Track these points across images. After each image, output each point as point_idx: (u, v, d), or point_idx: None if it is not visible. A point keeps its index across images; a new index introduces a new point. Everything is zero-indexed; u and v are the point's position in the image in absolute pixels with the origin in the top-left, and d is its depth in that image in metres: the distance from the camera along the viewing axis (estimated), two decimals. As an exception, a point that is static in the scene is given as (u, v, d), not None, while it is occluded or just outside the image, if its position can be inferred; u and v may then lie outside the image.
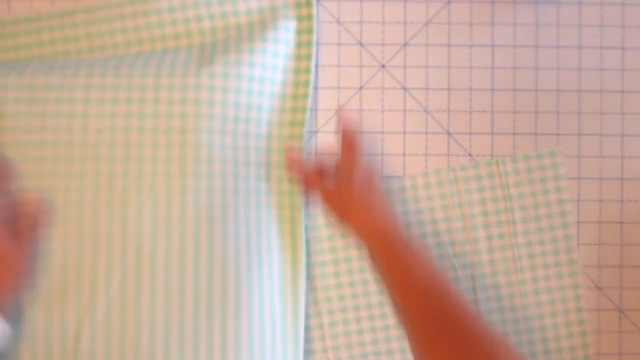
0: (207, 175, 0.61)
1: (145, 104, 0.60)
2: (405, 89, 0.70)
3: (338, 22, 0.70)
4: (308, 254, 0.67)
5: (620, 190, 0.69)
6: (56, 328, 0.57)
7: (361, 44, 0.70)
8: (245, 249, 0.61)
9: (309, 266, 0.67)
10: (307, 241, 0.68)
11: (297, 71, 0.68)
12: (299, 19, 0.68)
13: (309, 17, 0.68)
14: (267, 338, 0.62)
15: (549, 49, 0.70)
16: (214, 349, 0.58)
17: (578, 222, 0.70)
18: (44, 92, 0.61)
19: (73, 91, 0.61)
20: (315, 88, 0.69)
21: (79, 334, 0.57)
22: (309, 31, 0.68)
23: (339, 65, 0.70)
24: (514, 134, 0.70)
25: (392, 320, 0.67)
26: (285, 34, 0.67)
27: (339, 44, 0.70)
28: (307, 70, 0.67)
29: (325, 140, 0.70)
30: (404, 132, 0.70)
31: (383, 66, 0.70)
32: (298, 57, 0.68)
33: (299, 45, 0.67)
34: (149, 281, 0.58)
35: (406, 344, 0.66)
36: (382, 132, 0.70)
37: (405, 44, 0.70)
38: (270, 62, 0.66)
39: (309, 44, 0.68)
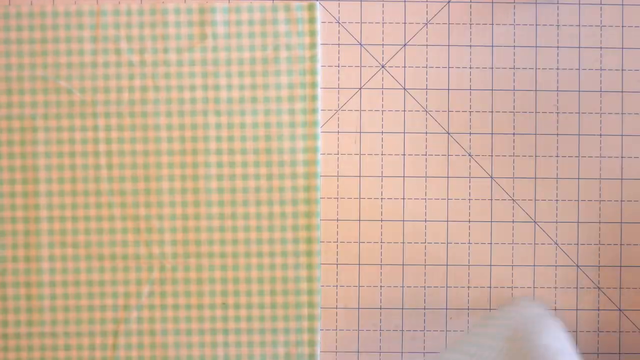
0: (217, 177, 0.70)
1: (160, 142, 0.70)
2: (405, 89, 0.70)
3: (338, 22, 0.70)
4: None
5: (619, 190, 0.70)
6: (97, 325, 0.70)
7: (361, 44, 0.70)
8: (256, 242, 0.70)
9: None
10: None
11: (303, 98, 0.70)
12: (302, 46, 0.69)
13: (313, 46, 0.69)
14: (280, 335, 0.69)
15: (549, 49, 0.70)
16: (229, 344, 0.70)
17: (578, 222, 0.70)
18: (70, 133, 0.70)
19: (96, 132, 0.70)
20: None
21: (117, 330, 0.70)
22: (313, 59, 0.69)
23: (339, 65, 0.70)
24: (513, 134, 0.70)
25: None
26: (287, 65, 0.69)
27: (339, 44, 0.70)
28: (314, 98, 0.69)
29: (327, 141, 0.70)
30: (404, 132, 0.70)
31: (383, 66, 0.70)
32: (304, 85, 0.69)
33: (303, 73, 0.69)
34: (171, 289, 0.70)
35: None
36: (382, 132, 0.70)
37: (405, 44, 0.70)
38: (274, 95, 0.69)
39: (313, 71, 0.69)
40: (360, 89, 0.70)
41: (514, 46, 0.70)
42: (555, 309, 0.70)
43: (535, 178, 0.70)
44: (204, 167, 0.70)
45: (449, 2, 0.70)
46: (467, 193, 0.70)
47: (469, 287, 0.70)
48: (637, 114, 0.70)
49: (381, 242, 0.70)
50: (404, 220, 0.70)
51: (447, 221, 0.70)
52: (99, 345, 0.69)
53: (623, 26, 0.70)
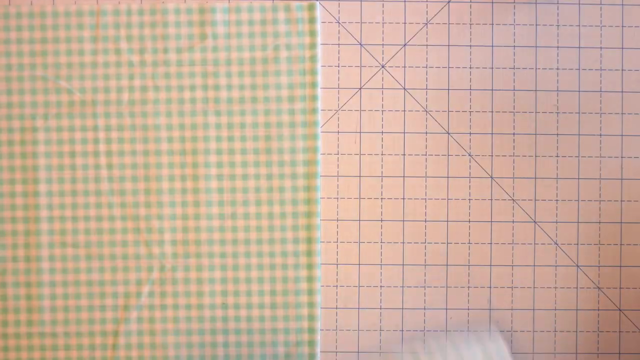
0: (217, 177, 0.70)
1: (160, 142, 0.70)
2: (405, 89, 0.70)
3: (338, 22, 0.70)
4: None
5: (619, 190, 0.70)
6: (97, 325, 0.70)
7: (361, 44, 0.70)
8: (256, 242, 0.70)
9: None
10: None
11: (303, 98, 0.70)
12: (302, 46, 0.69)
13: (313, 46, 0.69)
14: (279, 335, 0.69)
15: (549, 49, 0.70)
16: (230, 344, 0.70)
17: (578, 222, 0.70)
18: (70, 133, 0.70)
19: (96, 132, 0.70)
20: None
21: (117, 330, 0.69)
22: (313, 59, 0.69)
23: (339, 65, 0.70)
24: (513, 134, 0.70)
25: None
26: (287, 65, 0.69)
27: (339, 44, 0.70)
28: (314, 98, 0.69)
29: (327, 141, 0.70)
30: (404, 132, 0.70)
31: (383, 66, 0.70)
32: (303, 85, 0.69)
33: (303, 73, 0.69)
34: (171, 289, 0.70)
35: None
36: (382, 132, 0.70)
37: (405, 44, 0.70)
38: (274, 95, 0.69)
39: (313, 71, 0.69)
40: (360, 89, 0.70)
41: (514, 46, 0.70)
42: (555, 309, 0.70)
43: (535, 178, 0.70)
44: (204, 167, 0.70)
45: (449, 2, 0.70)
46: (467, 193, 0.70)
47: (468, 287, 0.70)
48: (637, 114, 0.70)
49: (381, 242, 0.70)
50: (404, 220, 0.70)
51: (447, 221, 0.70)
52: (99, 345, 0.69)
53: (623, 26, 0.70)
